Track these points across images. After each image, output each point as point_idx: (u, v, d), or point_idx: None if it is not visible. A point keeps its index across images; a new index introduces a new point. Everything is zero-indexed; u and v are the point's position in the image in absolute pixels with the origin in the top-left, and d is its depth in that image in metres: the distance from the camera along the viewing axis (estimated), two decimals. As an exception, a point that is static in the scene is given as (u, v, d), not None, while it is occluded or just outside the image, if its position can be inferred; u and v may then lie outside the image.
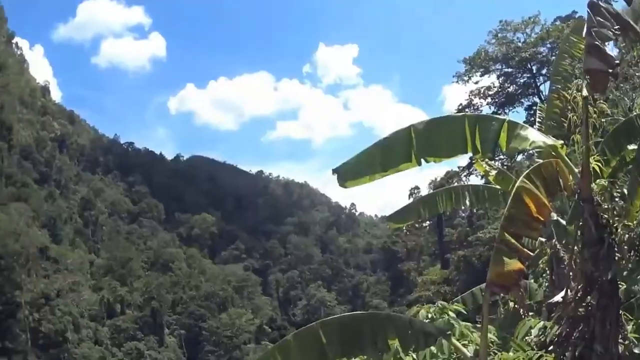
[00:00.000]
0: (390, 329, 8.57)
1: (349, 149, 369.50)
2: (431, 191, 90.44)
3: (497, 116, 10.55)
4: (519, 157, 53.77)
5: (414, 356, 8.95)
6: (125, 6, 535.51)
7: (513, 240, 7.93)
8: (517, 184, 8.46)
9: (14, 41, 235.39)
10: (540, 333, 8.93)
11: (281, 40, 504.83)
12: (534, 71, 69.94)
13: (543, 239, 12.12)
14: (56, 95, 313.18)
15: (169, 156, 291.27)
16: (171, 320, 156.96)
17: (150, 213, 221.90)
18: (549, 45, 66.62)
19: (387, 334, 8.52)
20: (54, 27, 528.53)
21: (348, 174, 9.46)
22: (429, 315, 9.78)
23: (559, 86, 12.26)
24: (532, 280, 13.44)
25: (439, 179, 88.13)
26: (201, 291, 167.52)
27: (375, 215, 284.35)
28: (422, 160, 9.21)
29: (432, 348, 8.67)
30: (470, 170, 70.60)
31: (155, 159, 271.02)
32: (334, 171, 9.40)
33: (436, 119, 9.50)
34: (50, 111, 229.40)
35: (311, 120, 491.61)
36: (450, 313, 9.78)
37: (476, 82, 73.04)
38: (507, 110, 71.38)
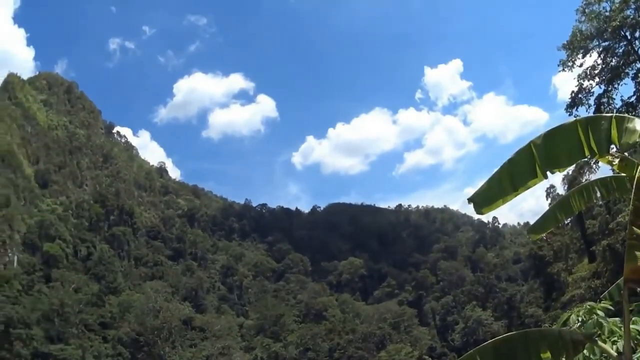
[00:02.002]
0: (541, 344, 8.74)
1: (479, 164, 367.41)
2: (566, 186, 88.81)
3: (605, 114, 10.61)
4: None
5: (569, 363, 9.12)
6: (222, 76, 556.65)
7: (643, 233, 7.94)
8: (637, 175, 8.51)
9: (114, 131, 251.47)
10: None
11: (387, 74, 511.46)
12: (629, 37, 67.08)
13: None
14: (175, 173, 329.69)
15: (305, 209, 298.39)
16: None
17: (296, 267, 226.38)
18: (633, 6, 63.89)
19: (539, 350, 8.71)
20: (154, 110, 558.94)
21: (482, 200, 9.71)
22: (579, 319, 9.98)
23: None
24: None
25: (570, 172, 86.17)
26: (358, 334, 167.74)
27: (518, 224, 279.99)
28: (548, 172, 9.41)
29: (585, 351, 8.86)
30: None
31: (291, 214, 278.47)
32: (469, 200, 9.63)
33: (551, 131, 9.65)
34: (172, 189, 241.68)
35: (436, 145, 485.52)
36: (599, 312, 9.93)
37: (580, 65, 70.95)
38: (616, 85, 68.78)
